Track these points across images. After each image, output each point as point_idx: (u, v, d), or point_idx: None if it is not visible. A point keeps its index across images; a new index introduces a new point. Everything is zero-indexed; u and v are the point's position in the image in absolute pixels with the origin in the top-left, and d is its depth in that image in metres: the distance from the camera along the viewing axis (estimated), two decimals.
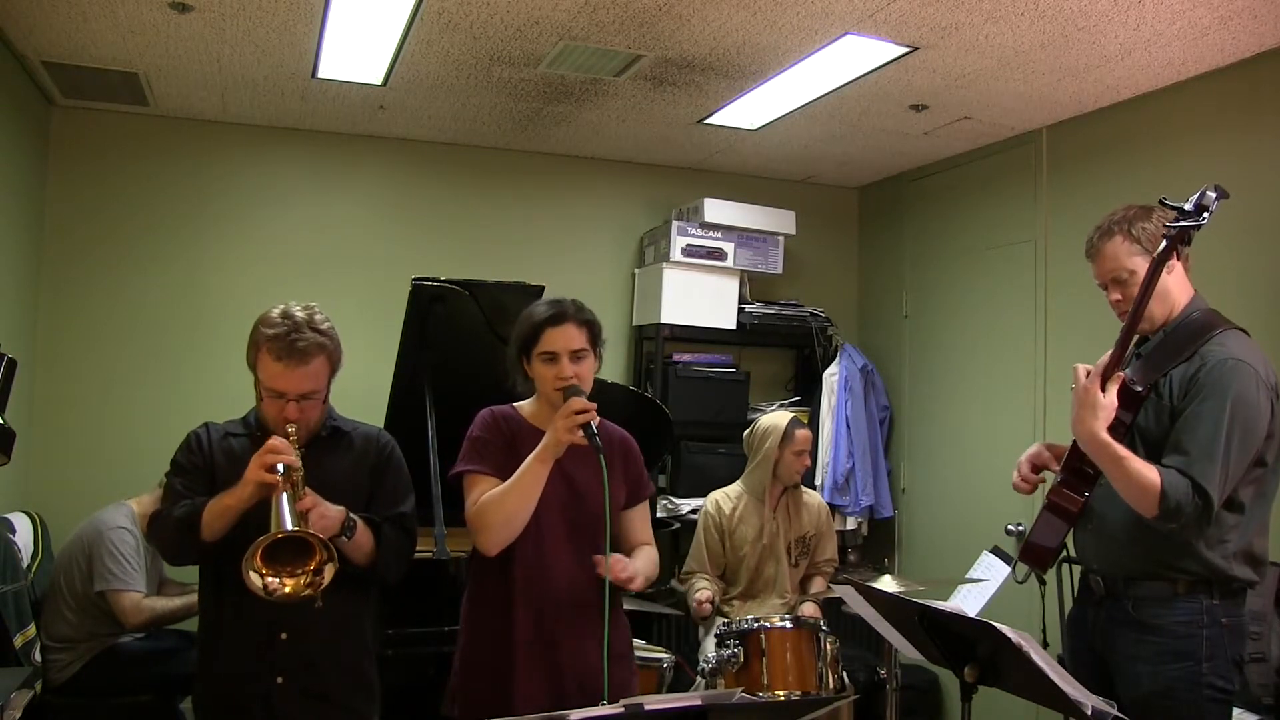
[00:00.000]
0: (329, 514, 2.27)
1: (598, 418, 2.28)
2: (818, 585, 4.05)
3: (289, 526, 2.14)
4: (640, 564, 2.43)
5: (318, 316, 2.39)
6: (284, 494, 2.19)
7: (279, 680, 2.35)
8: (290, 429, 2.33)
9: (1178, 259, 2.37)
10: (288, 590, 2.17)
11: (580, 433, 2.25)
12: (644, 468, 2.60)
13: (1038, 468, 2.64)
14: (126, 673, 3.66)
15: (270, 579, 2.15)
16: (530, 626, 2.36)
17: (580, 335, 2.40)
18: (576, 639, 2.38)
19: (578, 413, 2.25)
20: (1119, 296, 2.48)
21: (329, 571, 2.17)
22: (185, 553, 2.36)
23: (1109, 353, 2.36)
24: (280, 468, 2.21)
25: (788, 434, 3.93)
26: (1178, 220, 2.23)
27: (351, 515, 2.32)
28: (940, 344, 5.16)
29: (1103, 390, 2.32)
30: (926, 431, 5.24)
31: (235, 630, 2.37)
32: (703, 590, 3.83)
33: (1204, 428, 2.27)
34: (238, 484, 2.24)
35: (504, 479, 2.34)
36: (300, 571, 2.18)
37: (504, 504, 2.31)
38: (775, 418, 4.06)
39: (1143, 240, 2.42)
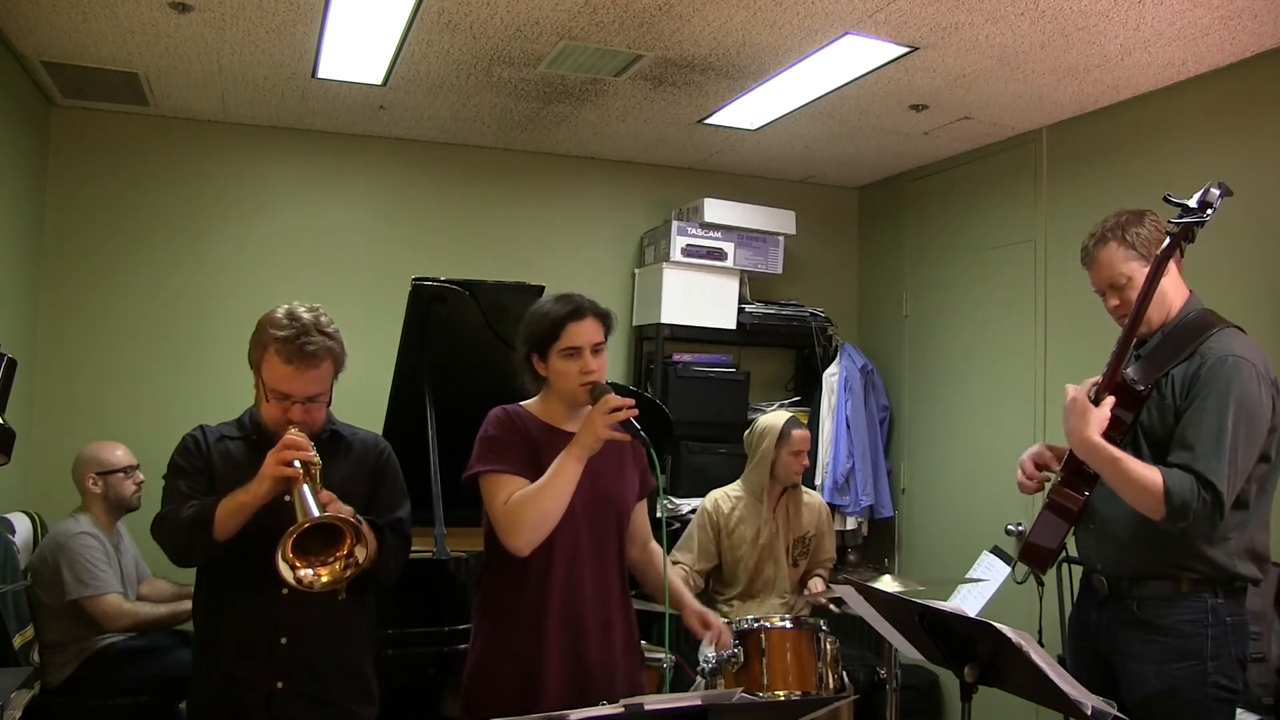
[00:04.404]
0: (343, 511, 2.26)
1: (636, 409, 2.29)
2: (817, 585, 4.05)
3: (315, 513, 2.12)
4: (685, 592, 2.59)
5: (324, 319, 2.38)
6: (304, 486, 2.18)
7: (279, 685, 2.34)
8: (292, 430, 2.32)
9: (1180, 257, 2.38)
10: (325, 580, 2.16)
11: (619, 428, 2.27)
12: (647, 462, 2.60)
13: (1040, 466, 2.64)
14: (121, 672, 3.65)
15: (304, 571, 2.14)
16: (558, 625, 2.36)
17: (599, 329, 2.40)
18: (601, 634, 2.39)
19: (615, 409, 2.26)
20: (1117, 302, 2.48)
21: (361, 554, 2.17)
22: (195, 552, 2.33)
23: (1099, 375, 2.37)
24: (296, 463, 2.20)
25: (784, 434, 3.93)
26: (1181, 217, 2.23)
27: (357, 516, 2.31)
28: (940, 344, 5.16)
29: (1096, 403, 2.33)
30: (926, 431, 5.24)
31: (235, 635, 2.36)
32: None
33: (1209, 423, 2.27)
34: (253, 480, 2.23)
35: (527, 477, 2.33)
36: (332, 559, 2.17)
37: (539, 503, 2.28)
38: (772, 418, 4.05)
39: (1137, 245, 2.43)
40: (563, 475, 2.28)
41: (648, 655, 3.38)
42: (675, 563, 3.96)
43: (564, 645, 2.35)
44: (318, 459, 2.25)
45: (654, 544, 2.65)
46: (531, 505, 2.28)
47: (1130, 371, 2.40)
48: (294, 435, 2.26)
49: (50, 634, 3.61)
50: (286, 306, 2.38)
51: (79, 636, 3.62)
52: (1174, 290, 2.45)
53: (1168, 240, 2.27)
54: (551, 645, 2.34)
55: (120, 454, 3.81)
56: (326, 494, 2.23)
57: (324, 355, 2.33)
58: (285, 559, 2.11)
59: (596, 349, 2.39)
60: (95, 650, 3.64)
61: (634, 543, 2.59)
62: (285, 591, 2.31)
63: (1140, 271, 2.41)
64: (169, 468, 2.43)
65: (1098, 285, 2.52)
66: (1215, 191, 2.22)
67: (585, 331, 2.37)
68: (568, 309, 2.39)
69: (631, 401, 2.28)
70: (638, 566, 2.64)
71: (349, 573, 2.17)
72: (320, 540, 2.16)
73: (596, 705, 2.19)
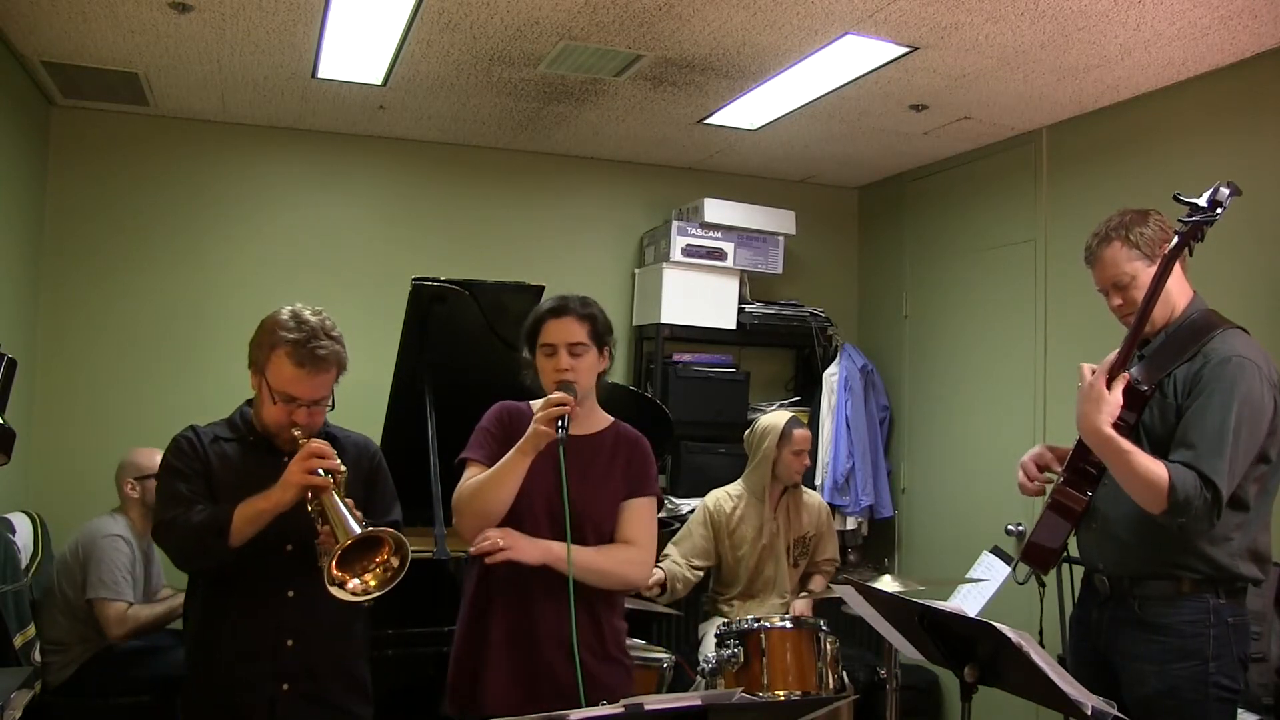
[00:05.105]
0: (359, 516, 2.26)
1: (573, 410, 2.29)
2: (817, 584, 4.05)
3: (357, 530, 2.13)
4: (553, 548, 2.32)
5: (328, 322, 2.38)
6: (335, 496, 2.19)
7: (284, 688, 2.34)
8: (296, 432, 2.32)
9: (1189, 255, 2.38)
10: (374, 586, 2.17)
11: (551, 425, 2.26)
12: (651, 468, 2.55)
13: (1041, 467, 2.64)
14: (123, 673, 3.66)
15: (353, 582, 2.15)
16: (504, 622, 2.37)
17: (580, 329, 2.40)
18: (555, 638, 2.35)
19: (557, 406, 2.27)
20: (1120, 301, 2.48)
21: (396, 561, 2.18)
22: (207, 558, 2.30)
23: (1115, 352, 2.36)
24: (322, 471, 2.20)
25: (786, 434, 3.93)
26: (1191, 216, 2.23)
27: (366, 521, 2.31)
28: (940, 344, 5.16)
29: (1108, 388, 2.32)
30: (926, 431, 5.24)
31: (240, 638, 2.35)
32: (656, 571, 3.75)
33: (1210, 422, 2.27)
34: (275, 487, 2.22)
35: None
36: (373, 566, 2.18)
37: (480, 491, 2.33)
38: (774, 417, 4.06)
39: (1141, 245, 2.43)
40: (505, 467, 2.31)
41: (648, 655, 3.40)
42: (664, 556, 3.97)
43: (507, 635, 2.36)
44: (343, 467, 2.26)
45: (619, 546, 2.46)
46: (474, 493, 2.34)
47: (1134, 372, 2.40)
48: (318, 443, 2.26)
49: (58, 631, 3.61)
50: (290, 309, 2.38)
51: (84, 637, 3.62)
52: (1178, 290, 2.45)
53: (1176, 239, 2.27)
54: (492, 642, 2.36)
55: (159, 459, 3.83)
56: (348, 501, 2.23)
57: (332, 360, 2.35)
58: (334, 580, 2.11)
59: (575, 349, 2.39)
60: (97, 651, 3.64)
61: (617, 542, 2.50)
62: (291, 594, 2.31)
63: (1143, 271, 2.41)
64: (163, 470, 2.41)
65: (1101, 284, 2.52)
66: (1225, 191, 2.21)
67: (563, 329, 2.39)
68: (550, 306, 2.43)
69: (567, 399, 2.29)
70: None
71: (390, 576, 2.18)
72: (357, 549, 2.16)
73: (551, 700, 2.20)
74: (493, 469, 2.34)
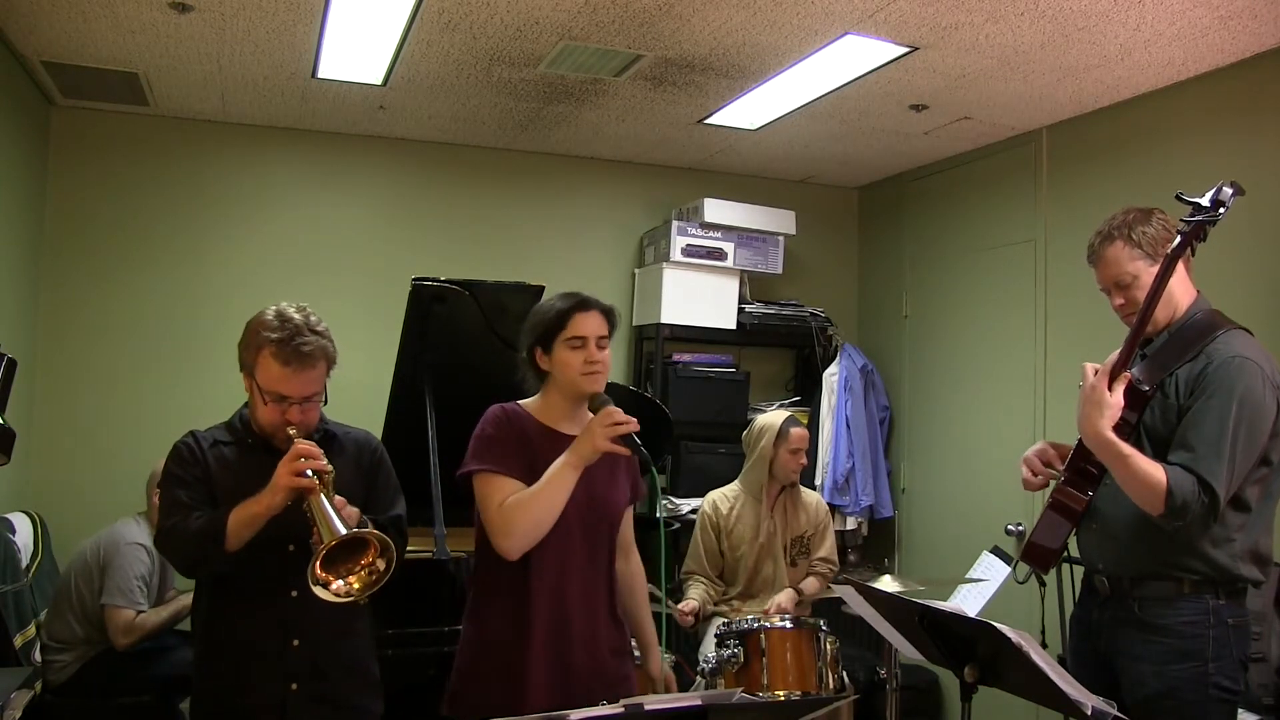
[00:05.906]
0: (352, 517, 2.26)
1: (637, 425, 2.29)
2: (810, 586, 4.03)
3: (342, 530, 2.12)
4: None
5: (313, 318, 2.36)
6: (322, 497, 2.18)
7: (293, 687, 2.33)
8: (291, 431, 2.32)
9: (1191, 255, 2.37)
10: (358, 588, 2.16)
11: (619, 442, 2.27)
12: (639, 469, 2.59)
13: (1044, 463, 2.63)
14: (125, 673, 3.66)
15: (337, 583, 2.14)
16: (544, 628, 2.35)
17: (604, 324, 2.43)
18: (588, 640, 2.38)
19: (618, 423, 2.26)
20: (1122, 300, 2.47)
21: (382, 564, 2.17)
22: (207, 564, 2.30)
23: (1117, 352, 2.36)
24: (310, 472, 2.20)
25: (782, 433, 3.93)
26: (1193, 215, 2.23)
27: (364, 517, 2.31)
28: (940, 344, 5.16)
29: (1109, 389, 2.32)
30: (926, 431, 5.24)
31: (246, 639, 2.34)
32: (688, 601, 3.86)
33: (1210, 424, 2.27)
34: (265, 490, 2.21)
35: (522, 479, 2.33)
36: (359, 568, 2.17)
37: (533, 509, 2.28)
38: (771, 417, 4.06)
39: (1143, 244, 2.42)
40: (558, 483, 2.28)
41: None
42: (689, 573, 3.98)
43: (548, 647, 2.35)
44: (330, 467, 2.24)
45: (636, 558, 2.66)
46: (525, 510, 2.28)
47: (1135, 371, 2.40)
48: (305, 444, 2.25)
49: (66, 630, 3.61)
50: (275, 308, 2.37)
51: (90, 638, 3.62)
52: (1181, 290, 2.44)
53: (1178, 239, 2.26)
54: (536, 647, 2.34)
55: None
56: (339, 499, 2.22)
57: (319, 355, 2.32)
58: (317, 580, 2.10)
59: (601, 342, 2.40)
60: (100, 651, 3.64)
61: (619, 549, 2.57)
62: (294, 594, 2.31)
63: (1146, 270, 2.40)
64: (164, 477, 2.40)
65: (1103, 283, 2.52)
66: (1228, 190, 2.21)
67: (591, 323, 2.40)
68: (574, 301, 2.43)
69: (632, 420, 2.28)
70: (621, 579, 2.59)
71: (375, 578, 2.17)
72: (344, 549, 2.15)
73: (584, 706, 2.20)
74: (541, 484, 2.29)
